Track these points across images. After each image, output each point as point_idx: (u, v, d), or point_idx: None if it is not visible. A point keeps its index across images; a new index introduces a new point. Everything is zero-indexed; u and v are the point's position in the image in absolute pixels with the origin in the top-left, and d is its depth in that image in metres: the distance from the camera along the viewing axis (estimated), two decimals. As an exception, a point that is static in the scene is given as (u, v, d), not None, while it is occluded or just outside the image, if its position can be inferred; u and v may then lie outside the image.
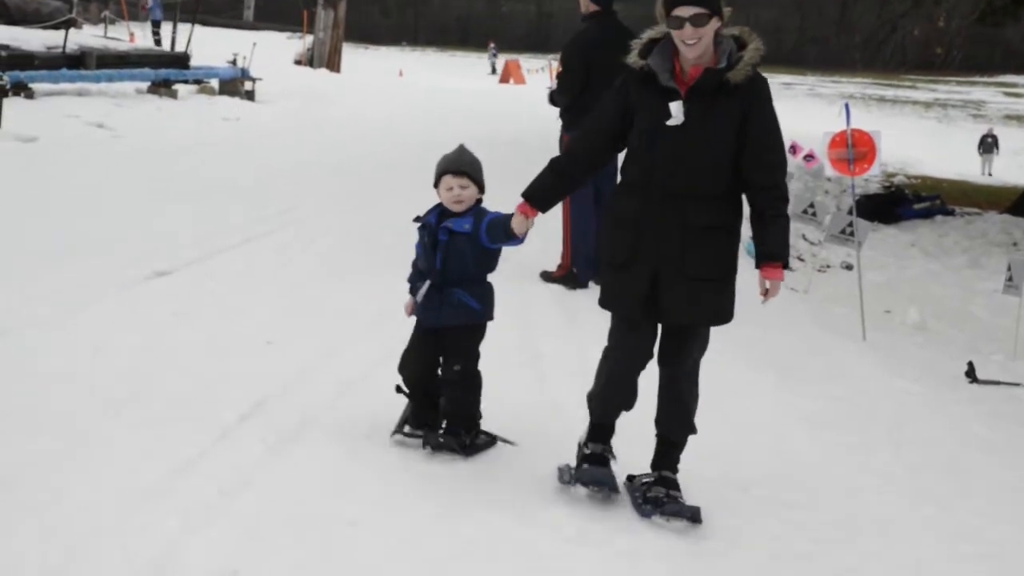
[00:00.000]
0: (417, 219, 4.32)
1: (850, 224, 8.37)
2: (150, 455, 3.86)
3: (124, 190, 9.28)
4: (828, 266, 11.01)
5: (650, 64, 3.79)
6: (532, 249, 4.19)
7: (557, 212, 6.50)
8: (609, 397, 4.05)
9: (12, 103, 12.66)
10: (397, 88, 28.22)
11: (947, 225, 15.56)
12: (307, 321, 5.94)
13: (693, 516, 3.92)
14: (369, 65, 38.95)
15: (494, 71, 49.91)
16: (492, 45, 54.80)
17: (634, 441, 4.12)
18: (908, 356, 7.48)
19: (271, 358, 5.21)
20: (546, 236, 7.42)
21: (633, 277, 3.83)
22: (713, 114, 3.74)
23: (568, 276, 7.57)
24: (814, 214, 9.42)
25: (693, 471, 4.16)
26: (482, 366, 4.30)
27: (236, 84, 19.57)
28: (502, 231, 4.05)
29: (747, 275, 3.95)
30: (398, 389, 4.32)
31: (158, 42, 25.25)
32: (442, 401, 4.32)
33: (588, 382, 4.17)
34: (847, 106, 8.67)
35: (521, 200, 4.02)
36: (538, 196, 4.02)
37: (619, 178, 4.04)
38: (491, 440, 4.41)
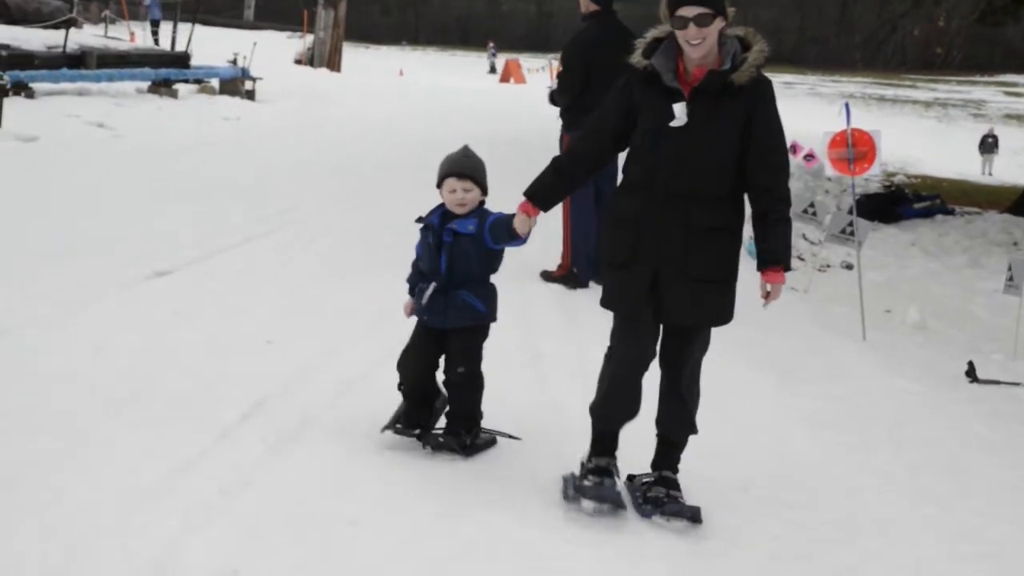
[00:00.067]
0: (419, 220, 4.30)
1: (850, 224, 8.37)
2: (150, 455, 3.85)
3: (124, 190, 9.28)
4: (828, 266, 11.01)
5: (654, 64, 3.78)
6: (532, 249, 4.20)
7: (557, 212, 6.50)
8: (613, 401, 3.98)
9: (12, 103, 12.66)
10: (397, 88, 28.24)
11: (947, 225, 15.57)
12: (307, 321, 5.94)
13: (693, 516, 3.92)
14: (369, 65, 38.94)
15: (493, 70, 49.98)
16: (491, 45, 54.86)
17: (634, 441, 4.11)
18: (908, 356, 7.48)
19: (271, 358, 5.21)
20: (546, 236, 7.42)
21: (633, 277, 3.83)
22: (717, 115, 3.73)
23: (568, 276, 7.58)
24: (814, 214, 9.42)
25: (693, 471, 4.16)
26: (483, 366, 4.30)
27: (236, 84, 19.57)
28: (505, 231, 4.04)
29: (747, 275, 3.95)
30: (399, 387, 4.30)
31: (157, 42, 25.25)
32: (437, 403, 4.31)
33: (589, 382, 4.17)
34: (847, 106, 8.67)
35: (523, 199, 4.01)
36: (540, 195, 4.01)
37: (620, 178, 4.03)
38: (491, 440, 4.41)
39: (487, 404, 4.35)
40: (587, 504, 3.86)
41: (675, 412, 4.01)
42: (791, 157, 4.05)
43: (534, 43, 66.95)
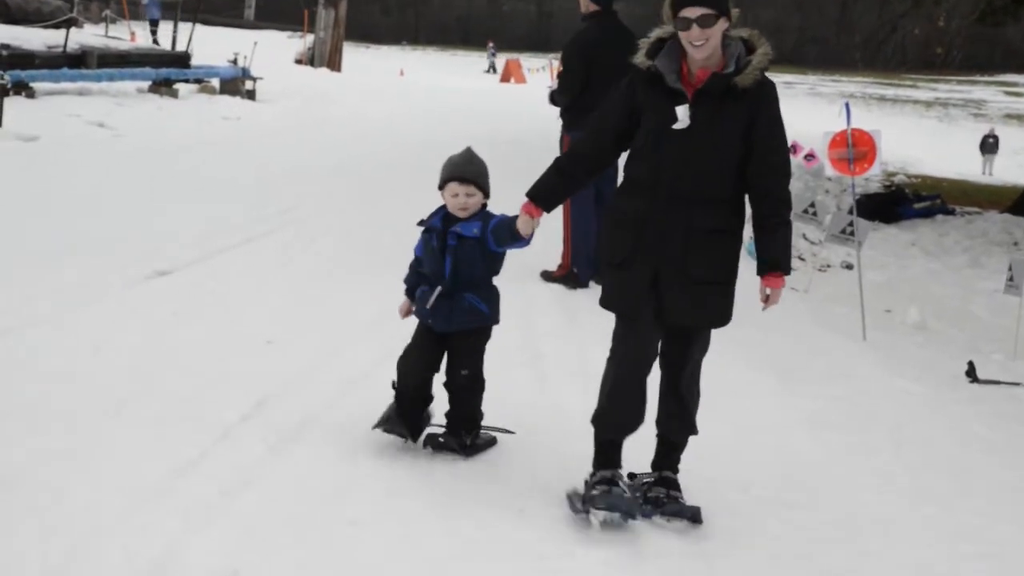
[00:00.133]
0: (421, 223, 4.28)
1: (850, 224, 8.37)
2: (151, 455, 3.86)
3: (125, 189, 9.28)
4: (828, 266, 11.01)
5: (657, 65, 3.76)
6: (533, 249, 4.19)
7: (557, 212, 6.48)
8: (616, 405, 3.91)
9: (13, 102, 12.67)
10: (398, 87, 28.24)
11: (947, 224, 15.57)
12: (308, 320, 5.94)
13: (693, 516, 3.92)
14: (370, 64, 38.95)
15: (493, 70, 50.06)
16: (491, 45, 54.92)
17: (634, 441, 4.11)
18: (908, 356, 7.48)
19: (272, 358, 5.22)
20: (547, 236, 7.41)
21: (633, 276, 3.81)
22: (720, 118, 3.71)
23: (568, 276, 7.58)
24: (815, 214, 9.42)
25: (694, 471, 4.16)
26: (483, 367, 4.30)
27: (237, 83, 19.57)
28: (508, 233, 4.03)
29: (748, 275, 3.94)
30: (394, 385, 4.29)
31: (156, 41, 25.25)
32: (428, 410, 4.30)
33: (589, 382, 4.17)
34: (847, 105, 8.68)
35: (526, 200, 3.99)
36: (542, 196, 3.99)
37: (620, 178, 4.02)
38: (492, 440, 4.41)
39: (487, 404, 4.34)
40: (597, 515, 3.76)
41: (675, 412, 4.01)
42: (791, 157, 4.04)
43: (534, 43, 66.99)
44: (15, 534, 3.22)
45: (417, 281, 4.32)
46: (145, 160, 11.23)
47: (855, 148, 8.02)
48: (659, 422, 4.04)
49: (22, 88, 14.05)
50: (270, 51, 25.65)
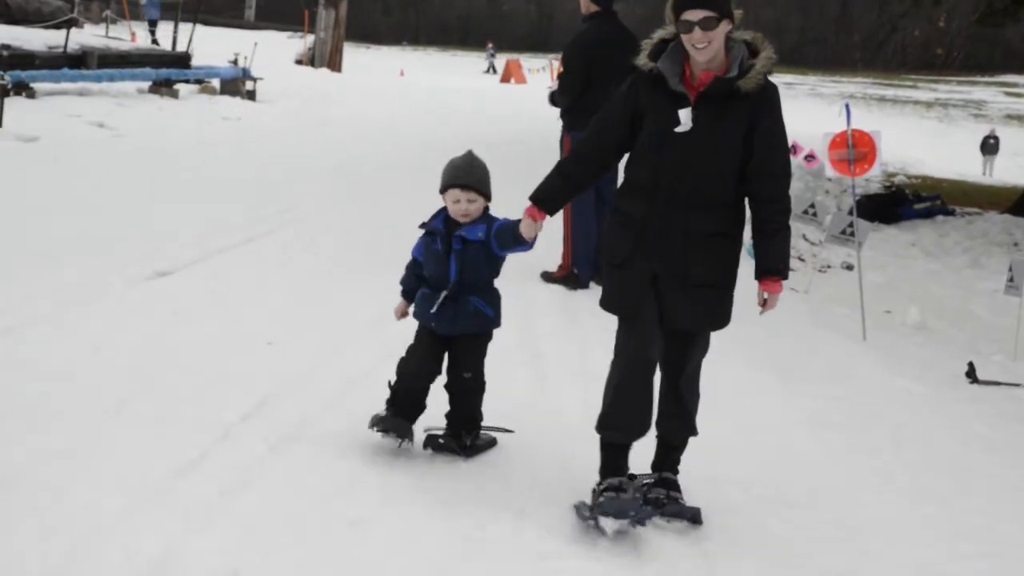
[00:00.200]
0: (423, 226, 4.25)
1: (850, 224, 8.37)
2: (151, 454, 3.85)
3: (125, 189, 9.28)
4: (829, 266, 11.02)
5: (659, 67, 3.74)
6: (533, 250, 4.19)
7: (558, 213, 6.50)
8: (621, 406, 3.85)
9: (13, 103, 12.67)
10: (398, 88, 28.23)
11: (948, 225, 15.57)
12: (308, 320, 5.94)
13: (694, 517, 3.92)
14: (370, 65, 38.95)
15: (492, 71, 50.11)
16: (490, 45, 54.96)
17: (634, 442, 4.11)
18: (909, 356, 7.49)
19: (272, 357, 5.22)
20: (547, 237, 7.40)
21: (633, 276, 3.81)
22: (722, 121, 3.70)
23: (569, 277, 7.58)
24: (815, 214, 9.42)
25: (694, 472, 4.16)
26: (484, 367, 4.30)
27: (237, 84, 19.56)
28: (511, 237, 4.02)
29: (748, 276, 3.94)
30: (390, 384, 4.26)
31: (155, 41, 25.25)
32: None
33: (589, 382, 4.17)
34: (847, 106, 8.68)
35: (528, 204, 3.97)
36: (545, 199, 3.97)
37: (620, 179, 4.01)
38: (492, 441, 4.41)
39: (487, 404, 4.34)
40: (607, 523, 3.69)
41: (675, 413, 4.00)
42: (791, 158, 4.04)
43: (535, 43, 67.05)
44: (15, 534, 3.22)
45: (416, 283, 4.31)
46: (145, 160, 11.23)
47: (855, 149, 8.03)
48: (658, 423, 4.04)
49: (22, 88, 14.04)
50: (270, 51, 25.66)
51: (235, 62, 20.55)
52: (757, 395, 5.66)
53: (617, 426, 3.89)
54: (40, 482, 3.56)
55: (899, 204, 16.35)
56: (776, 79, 3.82)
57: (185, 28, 20.16)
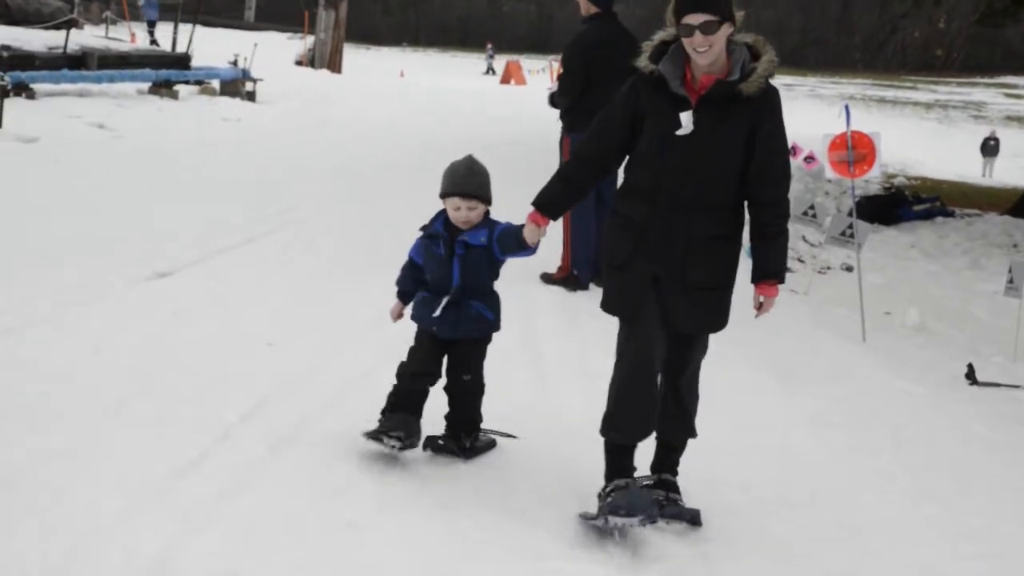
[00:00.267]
0: (423, 229, 4.22)
1: (850, 226, 8.37)
2: (151, 455, 3.85)
3: (125, 190, 9.28)
4: (828, 268, 11.02)
5: (660, 70, 3.73)
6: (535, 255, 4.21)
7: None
8: (624, 406, 3.84)
9: (13, 103, 12.66)
10: (398, 89, 28.23)
11: (947, 226, 15.58)
12: (308, 321, 5.94)
13: (693, 519, 3.92)
14: (370, 66, 38.96)
15: (492, 72, 50.15)
16: (490, 46, 54.99)
17: (634, 442, 4.11)
18: (908, 357, 7.49)
19: (272, 358, 5.21)
20: (546, 238, 7.39)
21: (633, 277, 3.81)
22: (723, 125, 3.69)
23: (568, 278, 7.58)
24: (814, 216, 9.43)
25: (693, 473, 4.16)
26: (484, 368, 4.30)
27: (237, 85, 19.56)
28: (515, 242, 4.01)
29: (747, 277, 3.94)
30: (393, 394, 4.23)
31: (154, 42, 25.25)
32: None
33: (589, 382, 4.17)
34: (847, 108, 8.68)
35: (532, 210, 3.96)
36: (548, 204, 3.96)
37: (620, 181, 4.01)
38: (491, 442, 4.41)
39: (487, 405, 4.34)
40: (617, 521, 3.65)
41: (674, 415, 4.00)
42: (791, 159, 4.04)
43: (535, 44, 67.11)
44: (15, 534, 3.22)
45: (413, 285, 4.29)
46: (145, 161, 11.23)
47: (855, 150, 8.03)
48: (658, 424, 4.03)
49: (22, 89, 14.04)
50: (270, 52, 25.66)
51: (235, 63, 20.56)
52: (757, 396, 5.66)
53: (621, 427, 3.87)
54: (40, 482, 3.56)
55: (899, 205, 16.36)
56: (776, 80, 3.82)
57: (185, 29, 20.16)
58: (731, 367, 5.65)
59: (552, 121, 8.23)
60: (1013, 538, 4.26)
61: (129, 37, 23.95)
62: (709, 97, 3.69)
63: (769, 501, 4.27)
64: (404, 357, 4.24)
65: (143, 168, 10.71)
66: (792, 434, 5.18)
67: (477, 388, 4.27)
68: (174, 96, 17.50)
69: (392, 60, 49.54)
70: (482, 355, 4.26)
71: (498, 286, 4.30)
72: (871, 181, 18.01)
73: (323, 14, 30.08)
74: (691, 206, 3.73)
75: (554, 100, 7.58)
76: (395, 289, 4.38)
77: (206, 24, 30.37)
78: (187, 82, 18.55)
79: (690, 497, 4.03)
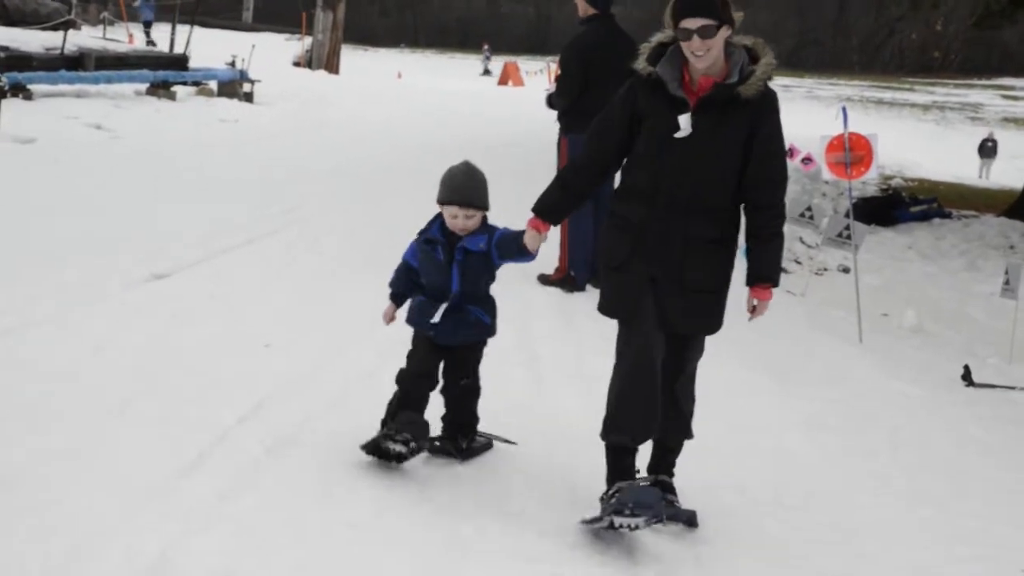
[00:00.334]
0: (421, 234, 4.19)
1: (847, 227, 8.39)
2: (152, 455, 3.86)
3: (125, 191, 9.28)
4: (825, 269, 11.04)
5: (658, 72, 3.73)
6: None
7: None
8: (625, 407, 3.81)
9: (10, 104, 12.65)
10: (396, 90, 28.22)
11: (944, 228, 15.60)
12: (309, 321, 5.95)
13: (689, 520, 3.93)
14: (368, 67, 38.94)
15: (488, 73, 50.19)
16: (486, 47, 54.98)
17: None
18: (905, 358, 7.51)
19: (272, 359, 5.22)
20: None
21: (631, 279, 3.82)
22: (722, 127, 3.70)
23: (565, 279, 7.59)
24: (811, 217, 9.45)
25: (690, 474, 4.17)
26: (480, 370, 4.31)
27: (235, 86, 19.55)
28: (514, 248, 4.00)
29: (743, 279, 3.96)
30: (396, 401, 4.22)
31: (150, 43, 25.24)
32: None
33: (586, 384, 4.18)
34: (844, 109, 8.70)
35: (532, 216, 3.96)
36: (548, 210, 3.96)
37: (617, 183, 4.02)
38: (488, 444, 4.42)
39: (484, 406, 4.36)
40: (621, 521, 3.58)
41: (671, 417, 3.99)
42: (788, 161, 4.05)
43: (533, 45, 67.09)
44: (15, 534, 3.23)
45: (408, 288, 4.27)
46: (144, 162, 11.23)
47: (852, 152, 8.06)
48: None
49: (19, 90, 14.02)
50: (268, 53, 25.63)
51: (233, 64, 20.54)
52: (753, 397, 5.68)
53: (623, 429, 3.84)
54: (41, 482, 3.57)
55: (896, 207, 16.38)
56: (773, 82, 3.83)
57: (183, 30, 20.16)
58: (727, 368, 5.67)
59: (550, 122, 8.23)
60: (1008, 540, 4.28)
61: (127, 38, 23.94)
62: (708, 100, 3.70)
63: (765, 503, 4.29)
64: (403, 362, 4.24)
65: (142, 169, 10.71)
66: (788, 436, 5.20)
67: (473, 390, 4.28)
68: (172, 97, 17.49)
69: (390, 61, 49.53)
70: (479, 359, 4.27)
71: (494, 287, 4.30)
72: (868, 183, 18.04)
73: (321, 15, 30.09)
74: (689, 208, 3.74)
75: (552, 101, 7.59)
76: (388, 291, 4.36)
77: (204, 25, 30.36)
78: (185, 83, 18.53)
79: (686, 498, 4.05)
